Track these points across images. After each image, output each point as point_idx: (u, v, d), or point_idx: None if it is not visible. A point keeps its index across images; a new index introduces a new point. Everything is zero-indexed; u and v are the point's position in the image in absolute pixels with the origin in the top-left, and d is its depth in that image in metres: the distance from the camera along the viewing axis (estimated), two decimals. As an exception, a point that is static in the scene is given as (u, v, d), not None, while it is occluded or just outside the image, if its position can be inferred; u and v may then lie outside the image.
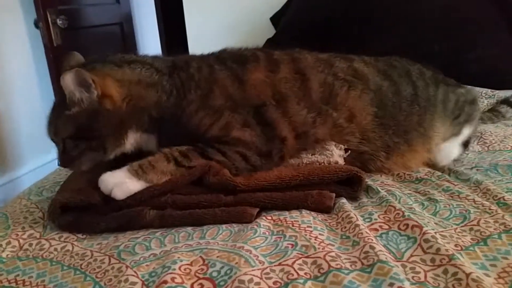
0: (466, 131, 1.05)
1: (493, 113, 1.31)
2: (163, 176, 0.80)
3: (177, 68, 0.93)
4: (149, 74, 0.89)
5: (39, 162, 2.40)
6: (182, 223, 0.75)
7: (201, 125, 0.86)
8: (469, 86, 1.47)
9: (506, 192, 0.78)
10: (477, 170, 0.91)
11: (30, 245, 0.73)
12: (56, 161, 0.91)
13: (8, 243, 0.73)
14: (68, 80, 0.80)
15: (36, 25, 2.25)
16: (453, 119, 1.04)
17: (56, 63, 2.24)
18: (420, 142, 0.98)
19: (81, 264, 0.65)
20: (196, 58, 0.98)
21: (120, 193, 0.78)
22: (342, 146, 0.91)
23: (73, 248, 0.71)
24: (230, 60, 0.96)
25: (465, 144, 1.04)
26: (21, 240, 0.74)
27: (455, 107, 1.05)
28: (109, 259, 0.65)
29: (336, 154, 0.89)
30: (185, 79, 0.91)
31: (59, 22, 2.24)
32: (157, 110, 0.87)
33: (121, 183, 0.78)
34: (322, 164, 0.87)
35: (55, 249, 0.71)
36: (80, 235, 0.75)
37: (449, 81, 1.12)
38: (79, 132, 0.84)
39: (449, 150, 1.00)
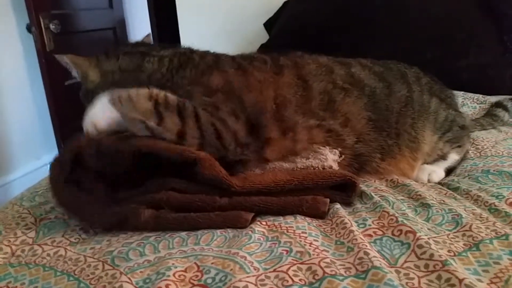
0: (453, 157, 1.05)
1: (492, 118, 1.33)
2: (137, 115, 0.83)
3: (181, 52, 1.00)
4: (139, 61, 0.97)
5: (31, 167, 2.39)
6: (176, 226, 0.74)
7: (190, 94, 0.89)
8: (460, 93, 1.50)
9: (497, 198, 0.79)
10: (469, 178, 0.93)
11: (23, 251, 0.72)
12: (48, 167, 0.93)
13: (0, 249, 0.72)
14: (59, 59, 0.99)
15: (29, 29, 2.24)
16: (441, 134, 1.04)
17: (48, 68, 2.23)
18: (409, 147, 1.00)
19: (74, 270, 0.65)
20: (203, 50, 1.05)
21: (103, 123, 0.84)
22: (336, 151, 0.91)
23: (66, 253, 0.70)
24: (239, 57, 1.01)
25: (449, 171, 1.03)
26: (13, 247, 0.73)
27: (444, 122, 1.06)
28: (103, 265, 0.65)
29: (330, 159, 0.89)
30: (183, 61, 0.97)
31: (52, 26, 2.24)
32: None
33: (102, 111, 0.85)
34: (317, 168, 0.87)
35: (48, 255, 0.70)
36: (72, 239, 0.75)
37: (442, 95, 1.12)
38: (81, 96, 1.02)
39: (432, 172, 1.00)
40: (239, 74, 0.94)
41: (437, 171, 1.00)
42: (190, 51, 1.02)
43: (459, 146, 1.06)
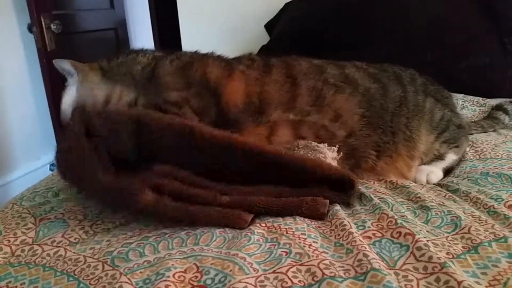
0: (451, 157, 1.05)
1: (493, 121, 1.34)
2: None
3: (170, 53, 1.08)
4: (134, 56, 1.06)
5: (31, 167, 2.39)
6: (175, 216, 0.75)
7: (165, 85, 0.99)
8: (460, 95, 1.50)
9: (496, 200, 0.79)
10: (468, 180, 0.93)
11: (23, 251, 0.72)
12: (48, 167, 0.94)
13: (0, 249, 0.72)
14: (57, 65, 1.04)
15: (30, 29, 2.24)
16: (438, 134, 1.05)
17: (49, 68, 2.24)
18: (405, 145, 1.01)
19: (74, 270, 0.65)
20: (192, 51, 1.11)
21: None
22: (335, 148, 0.92)
23: (65, 253, 0.71)
24: (226, 58, 1.06)
25: (448, 171, 1.03)
26: (13, 246, 0.73)
27: (440, 122, 1.06)
28: (103, 266, 0.65)
29: (329, 157, 0.90)
30: (168, 54, 1.06)
31: (53, 27, 2.24)
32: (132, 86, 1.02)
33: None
34: None
35: (48, 254, 0.71)
36: (72, 239, 0.75)
37: (438, 95, 1.13)
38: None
39: (431, 173, 0.99)
40: (222, 66, 1.00)
41: (435, 172, 1.00)
42: (179, 52, 1.10)
43: (457, 146, 1.07)
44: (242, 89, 0.97)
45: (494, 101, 1.47)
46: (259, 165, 0.81)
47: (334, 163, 0.90)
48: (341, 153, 0.93)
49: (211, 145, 0.80)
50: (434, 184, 0.97)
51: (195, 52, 1.10)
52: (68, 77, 1.06)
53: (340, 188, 0.82)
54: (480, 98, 1.50)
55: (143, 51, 1.10)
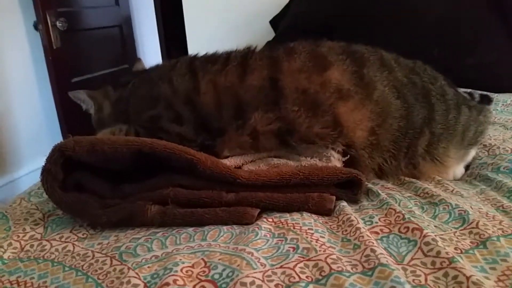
0: (471, 154, 1.02)
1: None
2: None
3: (145, 73, 1.13)
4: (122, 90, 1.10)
5: (38, 163, 2.38)
6: (183, 221, 0.75)
7: (136, 110, 1.02)
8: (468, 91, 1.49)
9: (504, 196, 0.78)
10: (479, 176, 0.92)
11: (32, 246, 0.73)
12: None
13: (10, 244, 0.73)
14: (73, 96, 1.12)
15: (36, 27, 2.26)
16: (466, 147, 0.99)
17: (55, 65, 2.25)
18: (428, 168, 0.93)
19: (82, 265, 0.65)
20: (166, 67, 1.08)
21: None
22: (340, 150, 0.91)
23: (74, 248, 0.71)
24: (199, 61, 1.02)
25: (467, 166, 1.01)
26: (22, 242, 0.74)
27: (473, 137, 0.98)
28: (111, 260, 0.65)
29: (334, 159, 0.89)
30: (141, 81, 1.07)
31: (58, 24, 2.25)
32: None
33: None
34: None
35: (56, 250, 0.71)
36: (80, 235, 0.76)
37: (470, 101, 1.06)
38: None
39: (453, 172, 0.97)
40: (185, 84, 0.98)
41: (457, 172, 0.98)
42: (151, 70, 1.13)
43: (477, 143, 1.04)
44: (211, 97, 0.94)
45: (502, 96, 1.46)
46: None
47: (339, 165, 0.89)
48: (348, 155, 0.89)
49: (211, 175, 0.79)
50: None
51: (165, 68, 1.08)
52: (83, 105, 1.12)
53: (347, 185, 0.82)
54: (489, 94, 1.49)
55: (138, 77, 1.10)
